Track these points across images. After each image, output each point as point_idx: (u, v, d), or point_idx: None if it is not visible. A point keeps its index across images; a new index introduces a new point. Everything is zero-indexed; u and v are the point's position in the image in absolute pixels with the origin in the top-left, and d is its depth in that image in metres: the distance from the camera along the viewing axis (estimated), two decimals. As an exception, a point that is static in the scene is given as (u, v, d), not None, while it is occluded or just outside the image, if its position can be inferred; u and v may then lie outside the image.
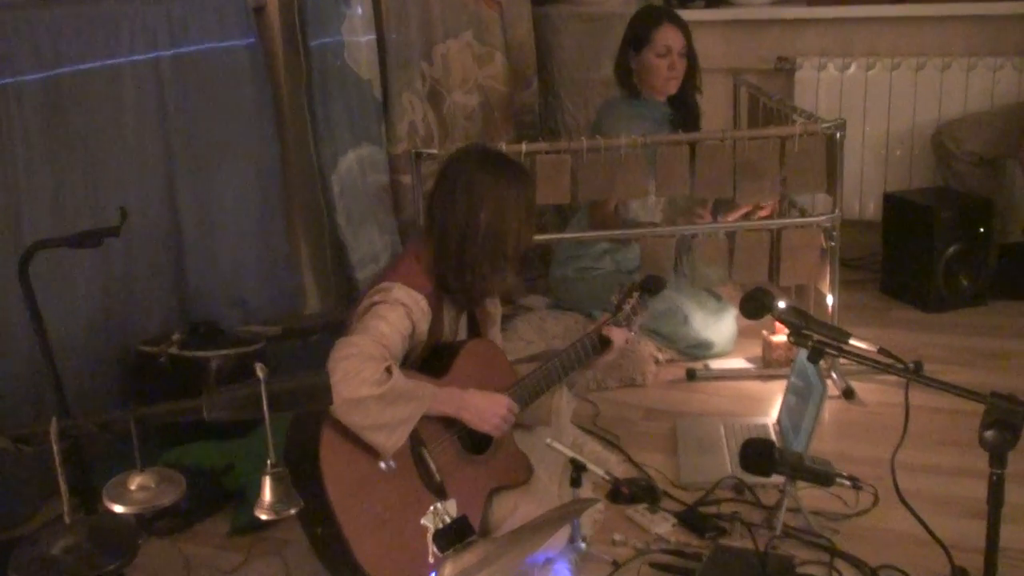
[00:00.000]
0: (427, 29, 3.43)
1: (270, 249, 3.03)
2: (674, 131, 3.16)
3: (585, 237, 3.20)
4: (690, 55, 3.22)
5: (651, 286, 2.42)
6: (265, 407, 1.22)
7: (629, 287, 2.43)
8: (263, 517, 1.31)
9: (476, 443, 2.12)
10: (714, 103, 3.74)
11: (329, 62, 3.03)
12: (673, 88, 3.21)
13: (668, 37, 3.17)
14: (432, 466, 2.00)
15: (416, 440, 1.98)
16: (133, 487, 1.26)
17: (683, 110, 3.26)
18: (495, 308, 2.32)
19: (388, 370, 1.87)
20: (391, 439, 1.88)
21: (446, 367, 2.08)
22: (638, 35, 3.21)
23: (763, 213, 3.17)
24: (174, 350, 2.57)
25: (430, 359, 2.10)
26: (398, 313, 1.97)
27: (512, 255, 2.09)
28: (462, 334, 2.24)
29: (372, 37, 3.18)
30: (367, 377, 1.83)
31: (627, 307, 2.39)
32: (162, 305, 2.77)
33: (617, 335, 2.29)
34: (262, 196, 2.98)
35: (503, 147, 2.81)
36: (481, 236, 2.04)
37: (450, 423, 2.05)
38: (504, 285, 2.16)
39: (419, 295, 2.02)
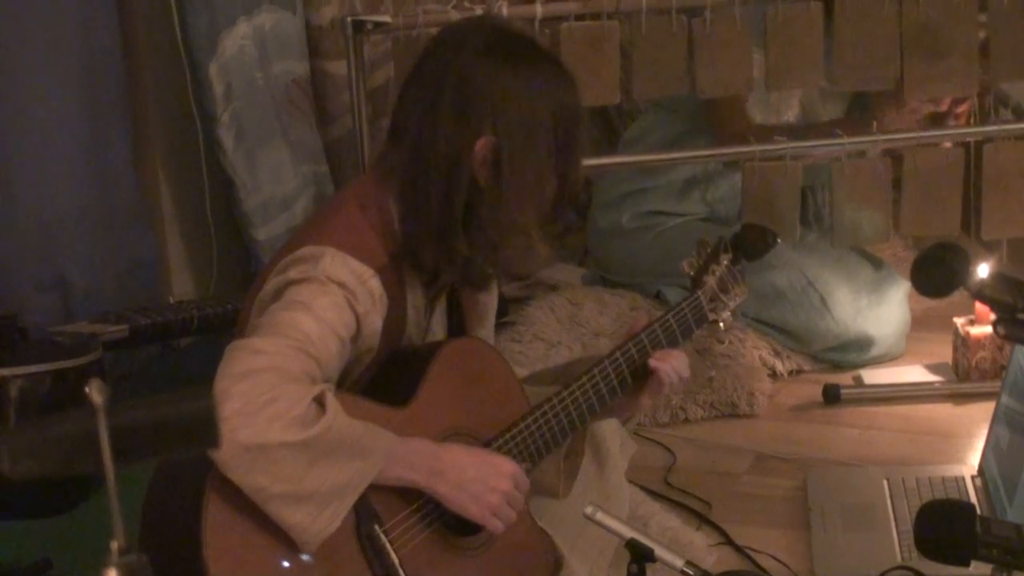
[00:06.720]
0: None
1: (107, 193, 3.04)
2: None
3: (654, 160, 3.21)
4: None
5: (750, 244, 2.44)
6: (106, 454, 1.22)
7: (713, 246, 2.45)
8: (109, 638, 1.33)
9: (464, 519, 2.15)
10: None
11: None
12: None
13: None
14: (392, 557, 2.02)
15: (366, 513, 2.01)
16: None
17: None
18: (487, 295, 2.35)
19: (319, 400, 1.90)
20: (319, 519, 1.89)
21: (411, 389, 2.10)
22: None
23: (962, 109, 3.18)
24: (-58, 365, 2.59)
25: (384, 376, 2.13)
26: (331, 300, 1.98)
27: (540, 211, 2.12)
28: (439, 334, 2.27)
29: None
30: (283, 411, 1.84)
31: (710, 281, 2.42)
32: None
33: (665, 365, 2.27)
34: (91, 103, 3.00)
35: (504, 10, 2.83)
36: (485, 179, 2.07)
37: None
38: (525, 262, 2.16)
39: (366, 269, 2.03)
